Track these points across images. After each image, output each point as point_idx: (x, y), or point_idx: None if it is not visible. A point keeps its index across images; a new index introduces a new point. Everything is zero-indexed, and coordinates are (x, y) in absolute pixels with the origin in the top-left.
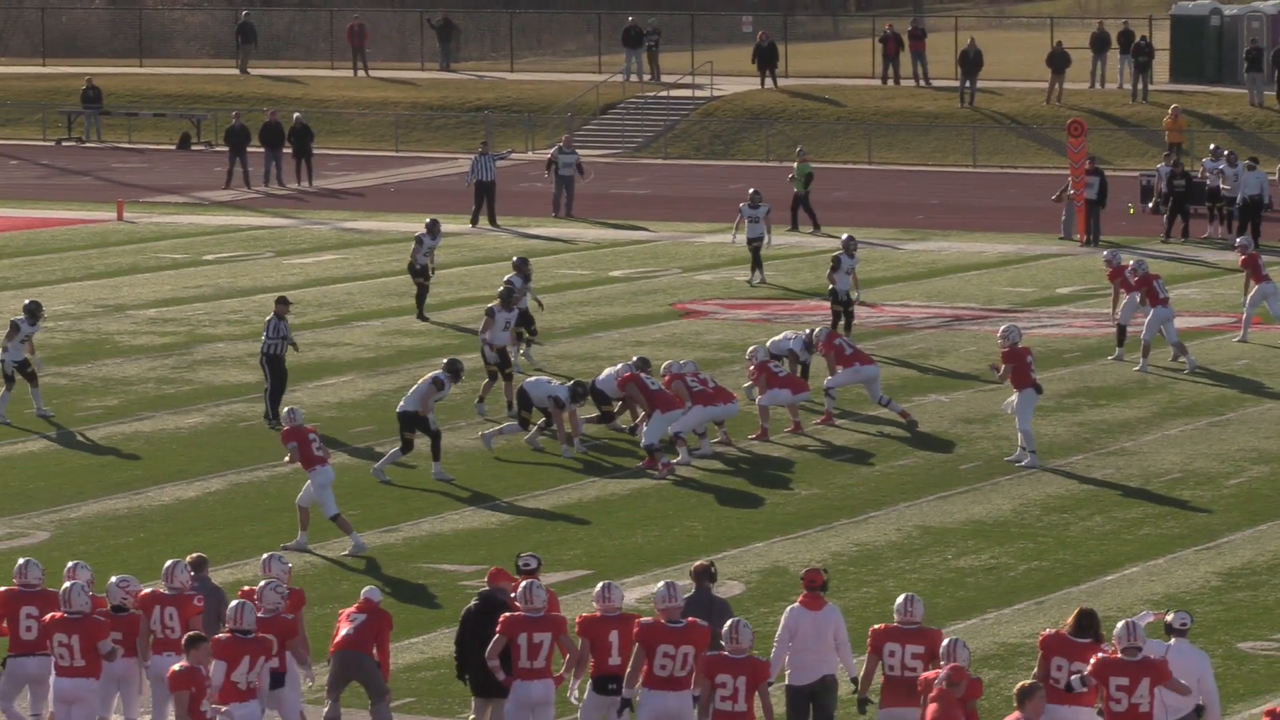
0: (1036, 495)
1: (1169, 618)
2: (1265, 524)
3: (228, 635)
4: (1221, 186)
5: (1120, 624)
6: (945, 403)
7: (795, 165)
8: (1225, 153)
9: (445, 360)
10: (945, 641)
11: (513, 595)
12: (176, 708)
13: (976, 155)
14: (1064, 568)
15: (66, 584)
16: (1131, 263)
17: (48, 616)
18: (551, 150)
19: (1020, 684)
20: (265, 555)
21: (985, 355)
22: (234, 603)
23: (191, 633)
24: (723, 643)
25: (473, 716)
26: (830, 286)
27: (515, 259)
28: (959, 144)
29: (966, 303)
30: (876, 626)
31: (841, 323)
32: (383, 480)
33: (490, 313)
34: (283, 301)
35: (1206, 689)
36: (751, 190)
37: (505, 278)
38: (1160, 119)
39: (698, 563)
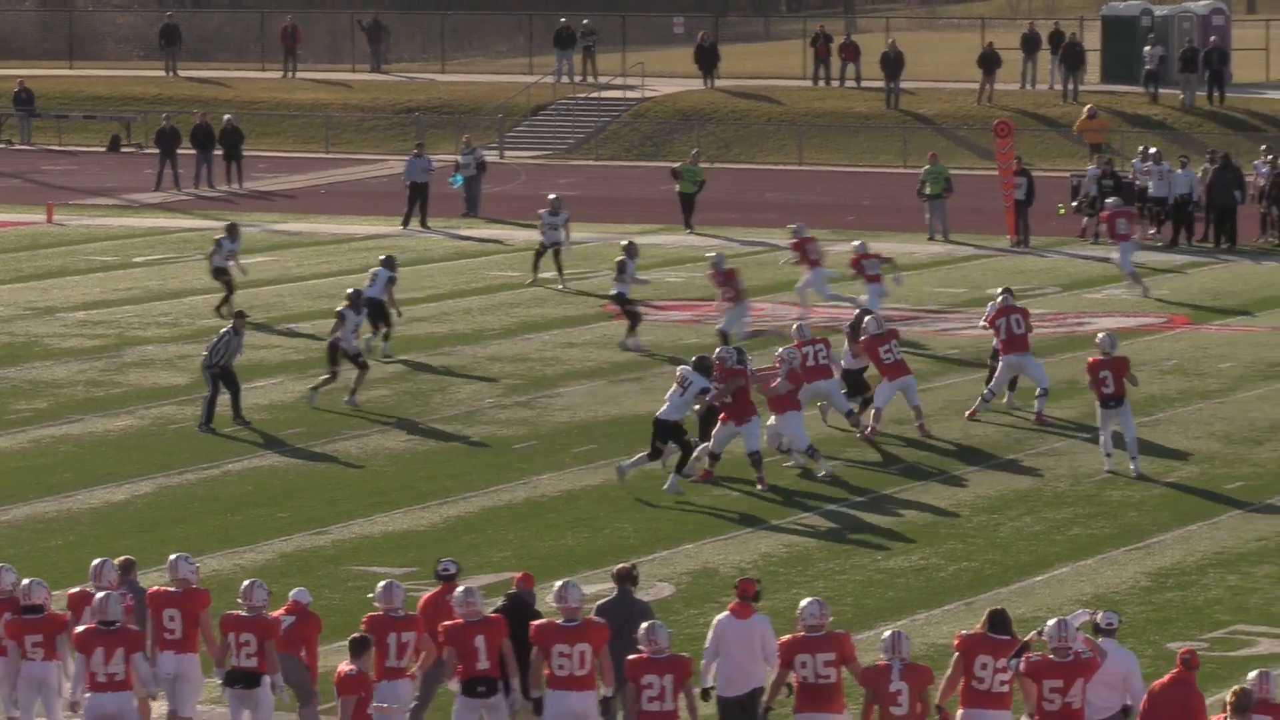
0: (966, 496)
1: (1098, 618)
2: (1194, 524)
3: (91, 627)
4: (1137, 184)
5: (1051, 623)
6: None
7: (682, 165)
8: (1152, 151)
9: (694, 358)
10: (888, 634)
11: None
12: (343, 711)
13: (907, 156)
14: (994, 568)
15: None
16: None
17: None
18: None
19: (1236, 689)
20: (173, 556)
21: (916, 356)
22: (99, 594)
23: (356, 635)
24: (640, 647)
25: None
26: (614, 290)
27: (383, 257)
28: (890, 145)
29: (897, 304)
30: (785, 638)
31: (629, 324)
32: (676, 492)
33: (340, 315)
34: (240, 316)
35: (1133, 689)
36: (552, 196)
37: (371, 270)
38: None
39: (619, 566)
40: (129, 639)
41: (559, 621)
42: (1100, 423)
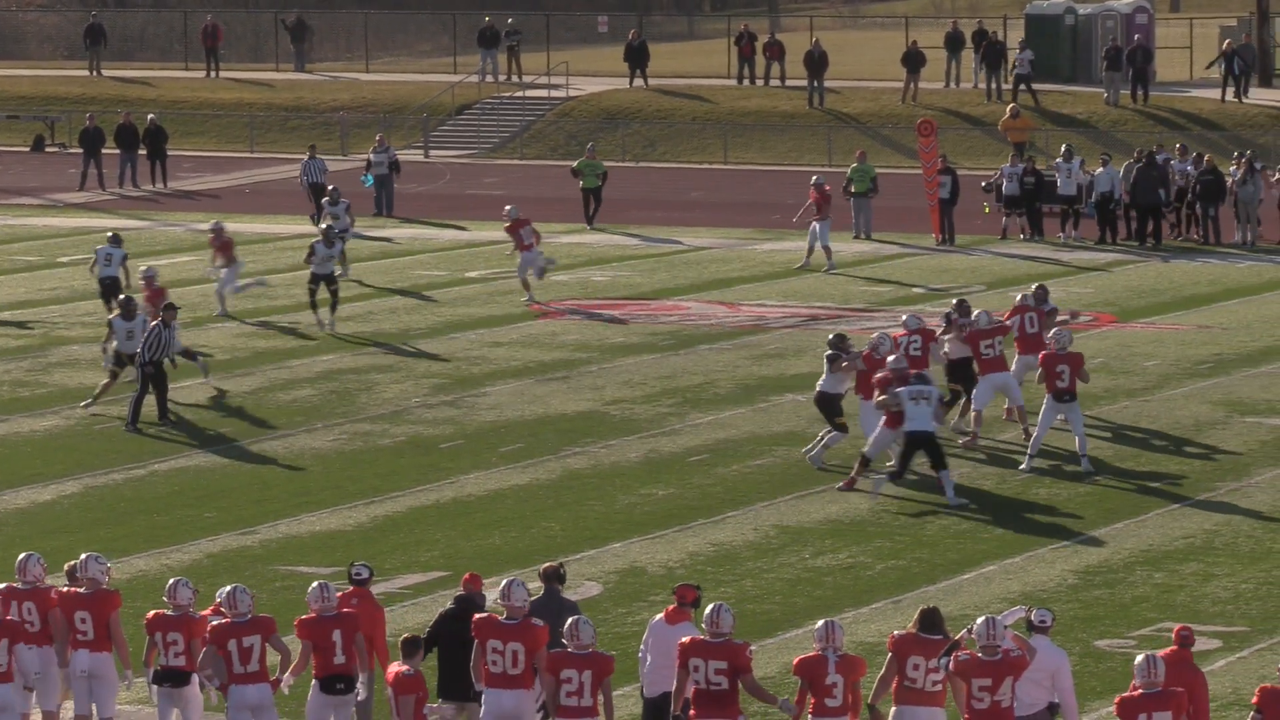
0: (893, 493)
1: (1031, 615)
2: (1121, 522)
3: None
4: (1047, 180)
5: (979, 621)
6: (802, 402)
7: (580, 162)
8: (1062, 148)
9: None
10: (820, 624)
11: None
12: (400, 710)
13: (832, 155)
14: (921, 566)
15: None
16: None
17: None
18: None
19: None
20: (83, 555)
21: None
22: None
23: (407, 635)
24: (564, 641)
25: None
26: (311, 270)
27: (110, 234)
28: (814, 143)
29: (823, 302)
30: (684, 640)
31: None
32: (819, 467)
33: (110, 324)
34: (170, 309)
35: (1063, 686)
36: (331, 187)
37: (99, 249)
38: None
39: (546, 564)
40: (9, 630)
41: (500, 618)
42: (1043, 417)
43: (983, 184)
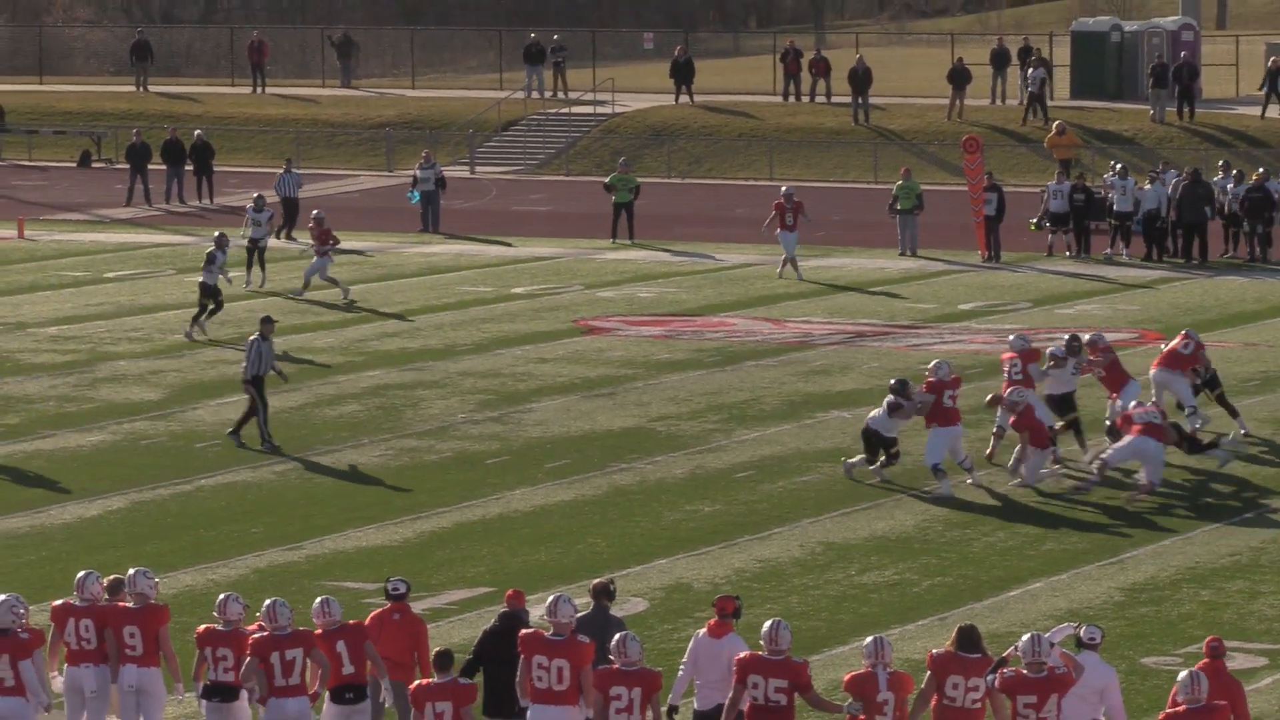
0: (939, 511)
1: (1080, 632)
2: (1168, 539)
3: None
4: (1106, 196)
5: (1025, 638)
6: (848, 419)
7: (613, 176)
8: (1117, 166)
9: (894, 381)
10: (869, 640)
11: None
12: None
13: (878, 171)
14: (967, 583)
15: None
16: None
17: None
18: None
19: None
20: (132, 570)
21: (888, 371)
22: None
23: (439, 649)
24: (611, 658)
25: None
26: (201, 279)
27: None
28: (860, 160)
29: (869, 319)
30: (742, 655)
31: (205, 315)
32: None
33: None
34: (267, 322)
35: (1112, 703)
36: (256, 195)
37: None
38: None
39: (596, 580)
40: (15, 646)
41: (546, 634)
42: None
43: (1031, 223)
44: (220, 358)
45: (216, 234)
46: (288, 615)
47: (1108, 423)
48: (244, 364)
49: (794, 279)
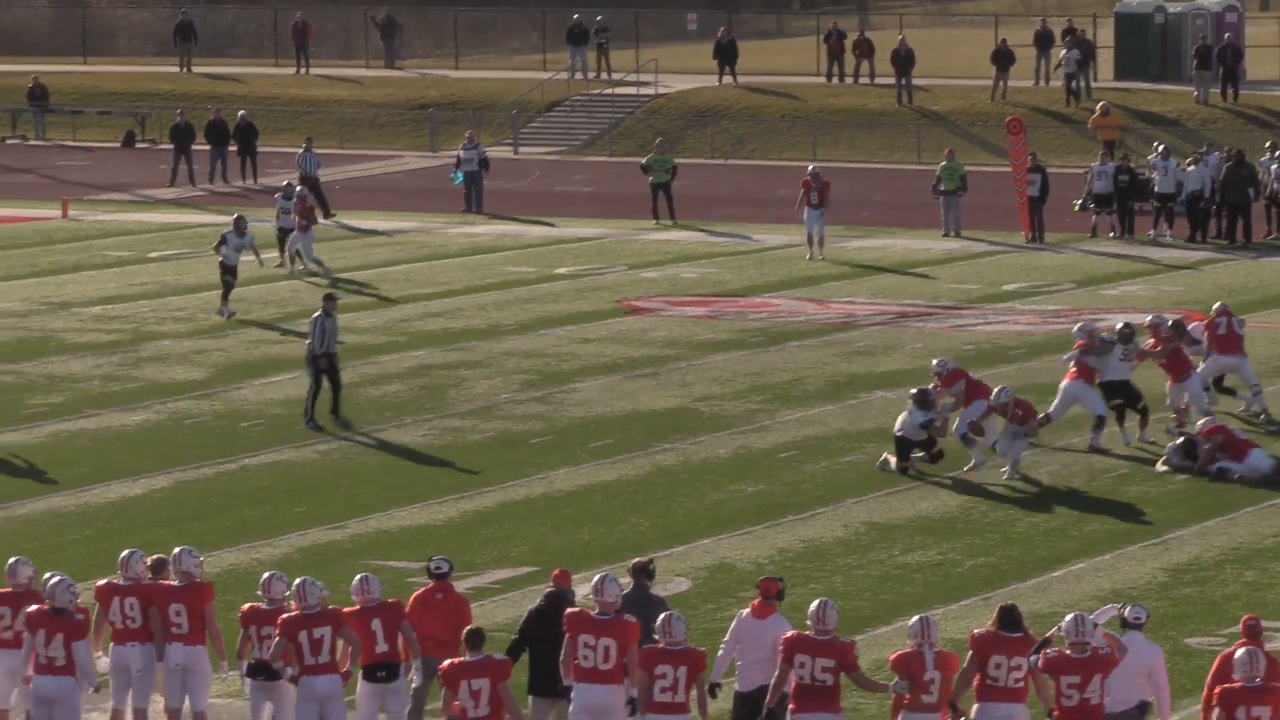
0: (982, 492)
1: (1125, 611)
2: (1211, 520)
3: (43, 609)
4: (1149, 177)
5: (1068, 619)
6: (892, 399)
7: (650, 158)
8: (1160, 147)
9: (915, 391)
10: (915, 620)
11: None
12: (446, 702)
13: (921, 153)
14: (1011, 564)
15: (53, 580)
16: None
17: (30, 610)
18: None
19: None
20: (177, 549)
21: (931, 351)
22: (51, 580)
23: (471, 628)
24: (656, 637)
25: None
26: (220, 259)
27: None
28: (904, 141)
29: (912, 299)
30: (789, 634)
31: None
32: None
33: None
34: (330, 299)
35: (1158, 683)
36: (285, 183)
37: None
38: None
39: (636, 560)
40: (70, 627)
41: (592, 613)
42: (1002, 443)
43: (1074, 203)
44: (264, 337)
45: (235, 216)
46: (317, 594)
47: (1173, 415)
48: (308, 341)
49: (828, 259)
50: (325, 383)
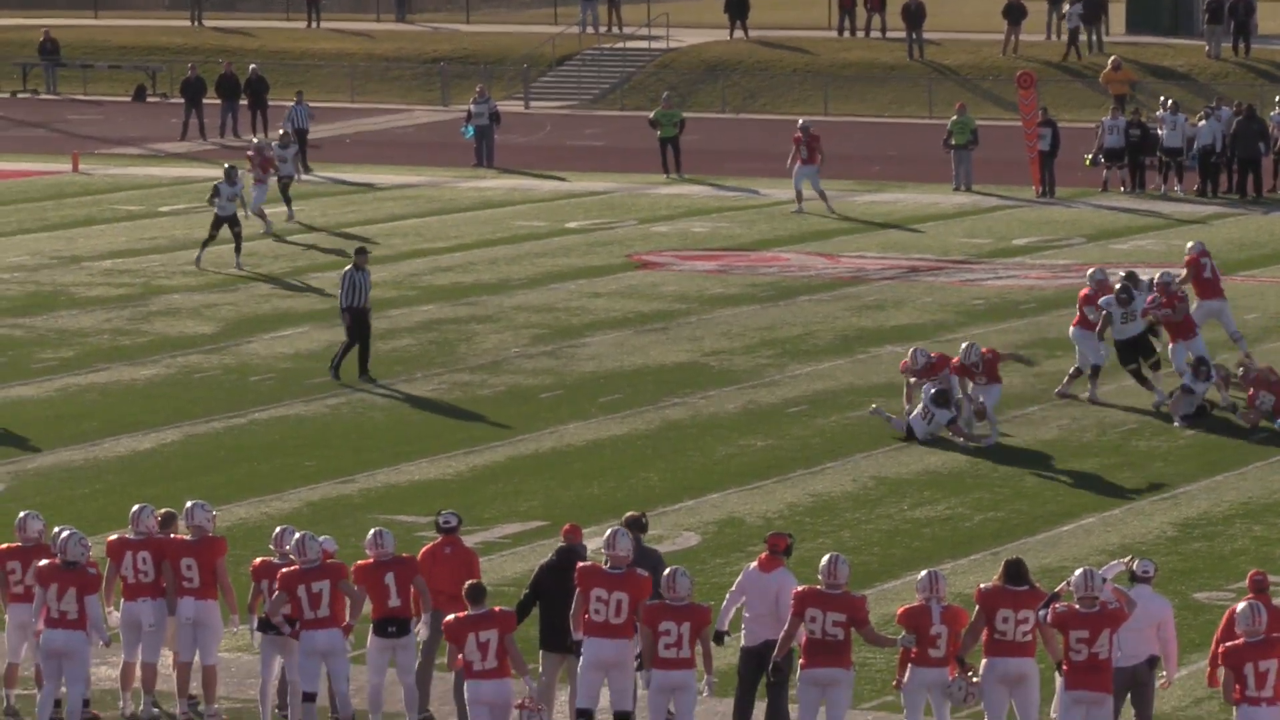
0: (992, 446)
1: (1133, 565)
2: (1221, 474)
3: (54, 563)
4: (1160, 133)
5: (1078, 573)
6: (902, 354)
7: (657, 112)
8: (1168, 102)
9: (934, 391)
10: (924, 575)
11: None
12: (450, 656)
13: (933, 107)
14: (1020, 518)
15: (64, 534)
16: None
17: (43, 563)
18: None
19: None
20: (189, 502)
21: (941, 306)
22: (62, 534)
23: (471, 582)
24: (661, 592)
25: (540, 669)
26: (215, 211)
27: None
28: (915, 95)
29: (922, 254)
30: (799, 589)
31: (235, 248)
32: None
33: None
34: (361, 252)
35: (1166, 636)
36: (281, 131)
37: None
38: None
39: (629, 513)
40: (83, 580)
41: (604, 566)
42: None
43: (1086, 157)
44: (274, 291)
45: (226, 166)
46: (318, 549)
47: (1181, 375)
48: (339, 294)
49: (838, 212)
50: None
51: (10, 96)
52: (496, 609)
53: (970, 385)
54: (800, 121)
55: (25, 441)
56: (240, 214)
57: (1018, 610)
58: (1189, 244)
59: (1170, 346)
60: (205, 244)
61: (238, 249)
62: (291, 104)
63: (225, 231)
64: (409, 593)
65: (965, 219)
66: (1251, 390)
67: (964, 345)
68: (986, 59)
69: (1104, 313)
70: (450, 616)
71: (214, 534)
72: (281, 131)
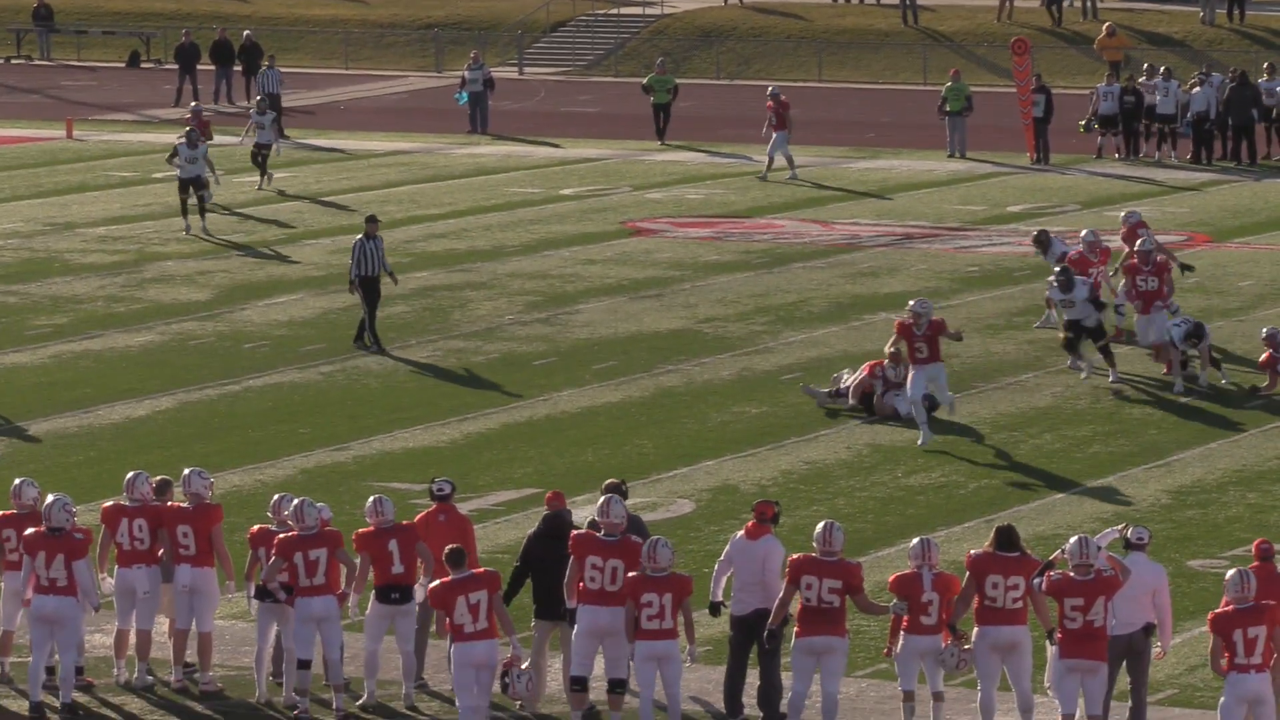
0: (986, 413)
1: (1128, 533)
2: (1214, 442)
3: (40, 531)
4: (1156, 100)
5: (1072, 541)
6: (896, 320)
7: (651, 77)
8: (1161, 69)
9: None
10: (916, 542)
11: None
12: (438, 621)
13: (927, 73)
14: (1014, 486)
15: (49, 499)
16: None
17: (29, 531)
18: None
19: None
20: (186, 470)
21: (936, 273)
22: (49, 500)
23: (451, 546)
24: (642, 563)
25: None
26: (177, 175)
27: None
28: (909, 62)
29: (917, 221)
30: (795, 556)
31: (197, 207)
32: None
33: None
34: (372, 220)
35: (1161, 604)
36: (258, 98)
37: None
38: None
39: (609, 480)
40: (70, 546)
41: (599, 535)
42: (911, 385)
43: (1080, 123)
44: (268, 259)
45: (186, 129)
46: (315, 516)
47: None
48: (349, 263)
49: (784, 174)
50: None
51: (4, 62)
52: (480, 569)
53: (907, 367)
54: (770, 89)
55: (19, 408)
56: (210, 178)
57: (1007, 576)
58: (1125, 214)
59: (1138, 320)
60: (185, 211)
61: (201, 212)
62: (264, 68)
63: (237, 197)
64: (413, 560)
65: (959, 186)
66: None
67: (915, 302)
68: (981, 25)
69: (1047, 295)
70: (435, 582)
71: (210, 501)
72: (258, 98)
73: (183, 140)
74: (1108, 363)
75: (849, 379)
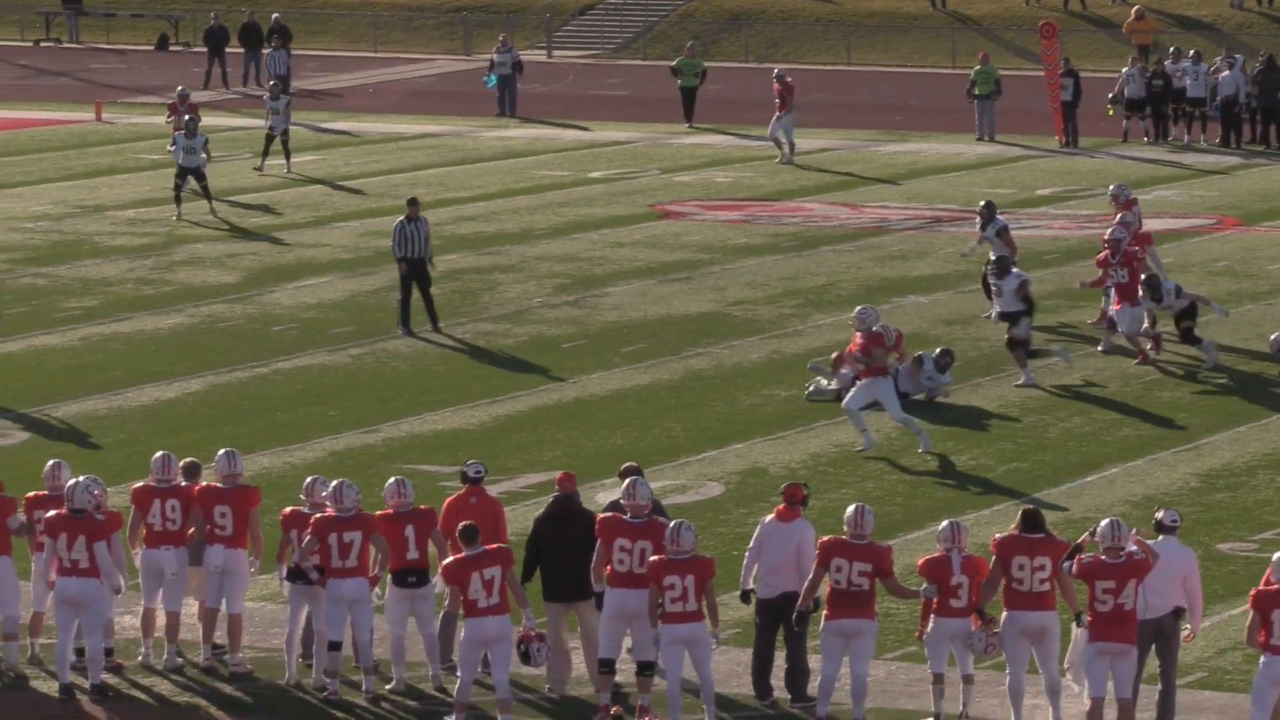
0: (1016, 397)
1: (1159, 515)
2: (1244, 425)
3: (61, 513)
4: (1181, 84)
5: (1104, 523)
6: (925, 304)
7: (680, 60)
8: (1190, 52)
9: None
10: (945, 525)
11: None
12: (451, 599)
13: (956, 57)
14: (1043, 469)
15: (70, 482)
16: None
17: (50, 514)
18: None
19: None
20: (221, 451)
21: (964, 257)
22: (69, 482)
23: (466, 523)
24: (665, 546)
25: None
26: (177, 164)
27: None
28: (938, 45)
29: (946, 204)
30: (825, 539)
31: (196, 194)
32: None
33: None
34: (413, 203)
35: (1192, 587)
36: (272, 82)
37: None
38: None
39: (626, 464)
40: (92, 528)
41: (625, 517)
42: (853, 399)
43: (1109, 96)
44: (297, 240)
45: (186, 118)
46: (353, 497)
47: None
48: (392, 245)
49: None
50: (416, 290)
51: (33, 45)
52: (491, 545)
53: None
54: (775, 71)
55: (49, 391)
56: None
57: (1033, 558)
58: (1113, 187)
59: (1116, 311)
60: (179, 200)
61: (207, 197)
62: (270, 49)
63: (265, 180)
64: (428, 544)
65: (988, 169)
66: None
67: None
68: (1009, 9)
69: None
70: (448, 559)
71: (245, 483)
72: (271, 82)
73: (181, 130)
74: (1019, 364)
75: (833, 383)
